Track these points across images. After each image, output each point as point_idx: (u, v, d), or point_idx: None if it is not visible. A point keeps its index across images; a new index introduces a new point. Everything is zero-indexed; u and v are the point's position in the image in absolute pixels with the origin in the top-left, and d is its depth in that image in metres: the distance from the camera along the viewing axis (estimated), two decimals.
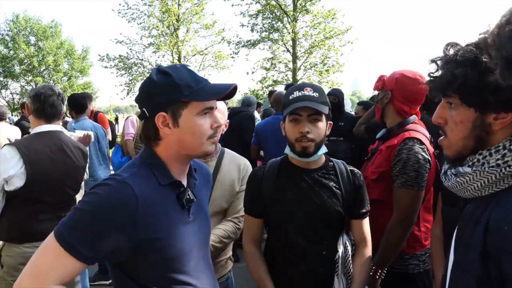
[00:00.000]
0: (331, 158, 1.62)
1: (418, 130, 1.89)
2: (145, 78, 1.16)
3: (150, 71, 1.13)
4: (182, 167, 1.17)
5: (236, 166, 1.85)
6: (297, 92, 1.48)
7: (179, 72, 1.08)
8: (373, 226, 1.64)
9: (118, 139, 6.11)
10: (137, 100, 1.15)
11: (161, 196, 1.07)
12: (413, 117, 1.96)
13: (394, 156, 1.82)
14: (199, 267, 1.16)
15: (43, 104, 2.11)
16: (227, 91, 1.09)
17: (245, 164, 1.90)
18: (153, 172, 1.09)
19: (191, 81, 1.07)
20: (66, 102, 2.27)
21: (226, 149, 1.93)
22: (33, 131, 2.15)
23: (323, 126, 1.49)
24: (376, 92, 2.13)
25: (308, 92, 1.46)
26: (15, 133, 4.22)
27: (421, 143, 1.82)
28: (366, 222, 1.59)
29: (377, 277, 1.82)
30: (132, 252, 1.03)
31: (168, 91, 1.06)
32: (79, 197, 2.38)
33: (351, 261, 1.50)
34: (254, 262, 1.58)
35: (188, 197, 1.13)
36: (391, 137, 1.92)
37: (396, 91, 1.90)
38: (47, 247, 0.99)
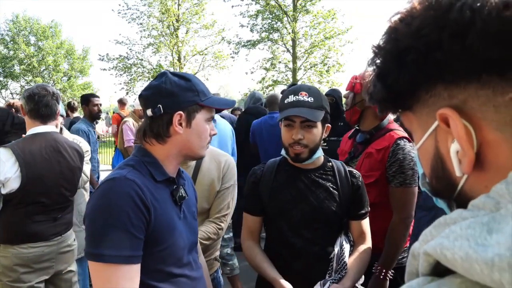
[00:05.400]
0: (330, 159, 1.62)
1: (399, 128, 1.96)
2: (152, 78, 1.18)
3: (164, 74, 1.18)
4: (176, 166, 1.22)
5: (216, 164, 1.80)
6: (292, 96, 1.47)
7: (196, 79, 1.21)
8: (372, 228, 1.64)
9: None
10: (149, 96, 1.16)
11: (158, 191, 1.11)
12: (387, 118, 2.01)
13: (388, 158, 1.85)
14: (190, 265, 1.20)
15: (37, 105, 2.09)
16: (233, 105, 1.35)
17: (226, 161, 1.83)
18: (148, 169, 1.12)
19: (205, 90, 1.20)
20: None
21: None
22: (28, 132, 2.13)
23: (317, 132, 1.48)
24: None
25: (302, 97, 1.45)
26: None
27: (409, 140, 1.88)
28: (365, 222, 1.59)
29: (386, 278, 1.83)
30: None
31: (189, 94, 1.16)
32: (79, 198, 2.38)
33: (346, 258, 1.48)
34: (250, 252, 1.58)
35: (180, 194, 1.18)
36: (373, 140, 1.95)
37: None
38: (102, 278, 0.98)
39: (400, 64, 0.47)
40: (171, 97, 1.13)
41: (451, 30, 0.42)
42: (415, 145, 0.54)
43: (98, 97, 4.42)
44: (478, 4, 0.41)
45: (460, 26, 0.42)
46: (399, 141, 1.85)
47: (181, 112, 1.14)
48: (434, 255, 0.39)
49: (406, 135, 1.90)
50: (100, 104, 4.37)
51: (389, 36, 0.50)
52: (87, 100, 4.27)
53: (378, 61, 0.51)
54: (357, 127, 2.12)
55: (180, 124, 1.15)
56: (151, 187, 1.08)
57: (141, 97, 1.19)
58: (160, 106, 1.12)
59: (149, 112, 1.14)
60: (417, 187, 1.85)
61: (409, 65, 0.46)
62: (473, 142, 0.44)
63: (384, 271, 1.84)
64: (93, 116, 4.25)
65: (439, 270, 0.40)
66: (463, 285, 0.37)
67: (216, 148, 1.89)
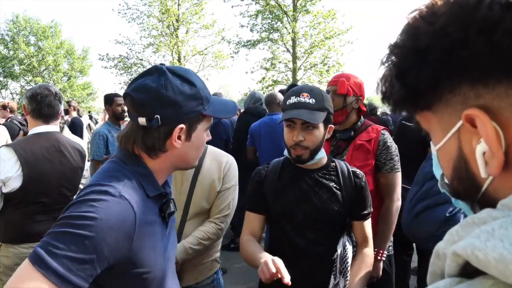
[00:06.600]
0: (333, 159, 1.62)
1: (373, 123, 2.18)
2: (158, 79, 0.97)
3: (163, 72, 0.98)
4: (165, 178, 1.09)
5: (217, 164, 1.78)
6: (294, 97, 1.47)
7: (200, 81, 1.03)
8: None
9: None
10: (143, 101, 0.95)
11: (148, 209, 0.98)
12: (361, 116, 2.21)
13: (378, 147, 2.04)
14: (171, 281, 1.12)
15: (39, 105, 2.10)
16: (236, 111, 1.15)
17: (228, 162, 1.80)
18: (141, 182, 0.98)
19: (208, 94, 1.04)
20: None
21: (209, 146, 1.83)
22: (30, 132, 2.14)
23: (319, 133, 1.48)
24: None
25: (304, 98, 1.45)
26: (2, 134, 4.18)
27: (389, 132, 2.12)
28: (367, 223, 1.60)
29: (381, 259, 1.98)
30: (116, 271, 0.91)
31: (194, 103, 0.99)
32: None
33: (349, 259, 1.49)
34: (246, 245, 1.52)
35: (170, 210, 1.05)
36: (357, 135, 2.10)
37: (362, 96, 2.16)
38: (30, 283, 0.78)
39: (421, 60, 0.46)
40: (173, 108, 0.95)
41: (479, 27, 0.41)
42: (434, 145, 0.52)
43: (121, 96, 4.15)
44: (510, 0, 0.40)
45: (489, 23, 0.40)
46: (383, 132, 2.07)
47: (183, 126, 0.98)
48: (464, 256, 0.38)
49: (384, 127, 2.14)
50: (124, 104, 4.15)
51: (409, 34, 0.48)
52: (111, 100, 4.02)
53: (395, 60, 0.49)
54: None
55: (179, 138, 0.99)
56: (142, 206, 0.94)
57: (130, 97, 0.97)
58: (158, 117, 0.94)
59: (141, 120, 0.95)
60: (400, 172, 2.08)
61: (431, 63, 0.45)
62: (502, 143, 0.42)
63: (381, 252, 1.98)
64: (117, 116, 4.01)
65: (467, 271, 0.39)
66: (495, 286, 0.36)
67: (217, 148, 1.89)
